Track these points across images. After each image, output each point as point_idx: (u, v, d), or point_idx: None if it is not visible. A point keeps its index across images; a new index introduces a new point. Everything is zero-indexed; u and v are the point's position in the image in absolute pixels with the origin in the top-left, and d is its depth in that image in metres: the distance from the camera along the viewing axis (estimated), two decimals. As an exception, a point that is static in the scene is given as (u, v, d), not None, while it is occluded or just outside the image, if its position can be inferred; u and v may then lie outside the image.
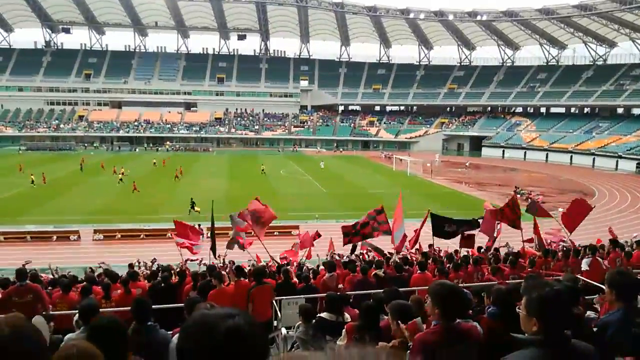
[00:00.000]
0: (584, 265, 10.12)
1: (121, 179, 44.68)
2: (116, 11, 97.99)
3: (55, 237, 26.68)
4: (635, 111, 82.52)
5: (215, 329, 1.39)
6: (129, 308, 5.15)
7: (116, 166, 52.27)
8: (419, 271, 9.45)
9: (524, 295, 2.78)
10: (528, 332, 2.67)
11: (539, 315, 2.57)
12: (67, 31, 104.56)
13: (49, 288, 9.79)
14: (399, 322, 4.25)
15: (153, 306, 5.43)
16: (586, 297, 6.38)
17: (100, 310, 5.45)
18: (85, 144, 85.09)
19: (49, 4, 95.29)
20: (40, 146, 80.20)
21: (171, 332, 5.26)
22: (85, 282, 9.63)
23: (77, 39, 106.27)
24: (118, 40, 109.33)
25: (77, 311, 5.87)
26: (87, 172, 51.50)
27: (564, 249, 14.09)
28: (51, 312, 7.61)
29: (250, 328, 1.42)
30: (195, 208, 32.40)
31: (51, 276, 12.94)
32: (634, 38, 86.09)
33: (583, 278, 8.78)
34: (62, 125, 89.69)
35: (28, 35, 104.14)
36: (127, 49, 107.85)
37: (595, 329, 3.76)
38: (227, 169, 59.20)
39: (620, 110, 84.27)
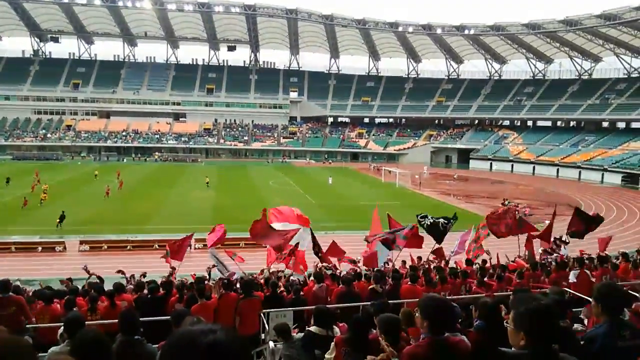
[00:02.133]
0: (572, 277, 10.16)
1: (42, 200, 38.09)
2: (105, 21, 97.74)
3: (40, 248, 26.30)
4: (620, 125, 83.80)
5: (196, 344, 1.39)
6: (115, 321, 5.09)
7: (37, 182, 45.53)
8: (409, 283, 9.42)
9: (512, 310, 2.78)
10: (516, 346, 2.67)
11: (526, 329, 2.57)
12: (55, 40, 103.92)
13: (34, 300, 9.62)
14: (382, 337, 4.23)
15: (140, 319, 5.35)
16: (573, 310, 6.41)
17: (86, 323, 5.37)
18: (73, 154, 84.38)
19: (37, 12, 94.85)
20: (26, 156, 79.40)
21: (157, 345, 5.20)
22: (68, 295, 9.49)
23: (66, 48, 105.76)
24: (107, 49, 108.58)
25: (60, 324, 5.79)
26: (78, 182, 51.00)
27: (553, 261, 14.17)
28: (33, 325, 7.49)
29: (232, 343, 1.42)
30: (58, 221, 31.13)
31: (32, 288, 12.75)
32: (618, 53, 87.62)
33: (570, 290, 8.83)
34: (49, 135, 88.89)
35: (16, 44, 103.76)
36: (116, 59, 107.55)
37: (582, 343, 3.77)
38: (215, 179, 58.95)
39: (605, 124, 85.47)
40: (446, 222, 15.56)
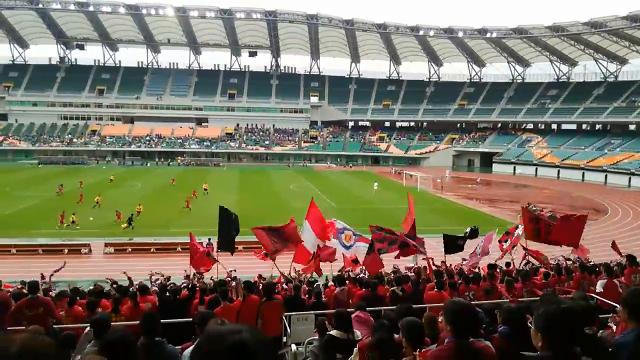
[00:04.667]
0: (599, 287, 9.82)
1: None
2: (129, 28, 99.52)
3: (66, 251, 26.76)
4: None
5: (222, 343, 1.45)
6: (138, 322, 5.15)
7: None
8: (435, 289, 9.31)
9: (535, 311, 2.79)
10: (536, 347, 2.67)
11: (543, 330, 2.59)
12: (81, 47, 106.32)
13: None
14: (405, 341, 4.21)
15: (162, 320, 5.42)
16: (600, 316, 6.28)
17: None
18: (98, 159, 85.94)
19: (63, 20, 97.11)
20: (53, 160, 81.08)
21: (180, 347, 5.24)
22: (91, 296, 9.66)
23: (91, 55, 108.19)
24: (131, 56, 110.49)
25: (83, 325, 5.89)
26: (103, 186, 51.83)
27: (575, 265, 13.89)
28: (60, 326, 7.62)
29: (257, 343, 1.47)
30: (125, 225, 32.17)
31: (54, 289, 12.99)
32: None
33: (597, 297, 8.65)
34: (75, 140, 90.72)
35: (43, 52, 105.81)
36: (140, 65, 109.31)
37: (610, 350, 3.69)
38: (237, 183, 59.39)
39: (632, 127, 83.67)
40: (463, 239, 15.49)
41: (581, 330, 3.85)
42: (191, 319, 7.12)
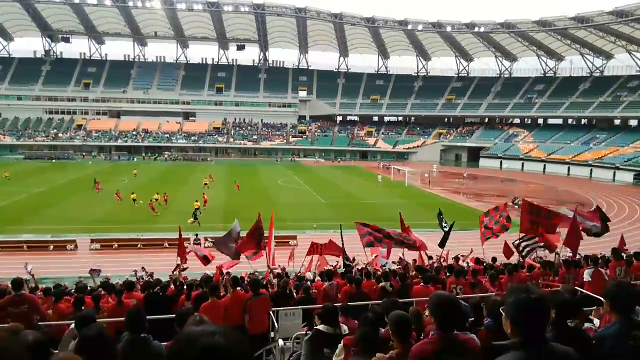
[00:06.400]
0: (587, 277, 9.99)
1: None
2: (116, 21, 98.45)
3: (52, 247, 26.51)
4: (633, 123, 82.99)
5: (193, 346, 1.44)
6: (122, 319, 5.10)
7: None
8: (422, 284, 9.32)
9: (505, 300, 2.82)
10: (507, 334, 2.71)
11: (512, 318, 2.63)
12: (67, 41, 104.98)
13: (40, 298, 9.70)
14: (392, 335, 4.21)
15: (148, 317, 5.37)
16: (585, 309, 6.34)
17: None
18: (84, 154, 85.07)
19: (49, 13, 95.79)
20: (38, 155, 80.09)
21: (166, 344, 5.20)
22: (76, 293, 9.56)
23: (77, 48, 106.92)
24: (118, 50, 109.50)
25: (67, 322, 5.83)
26: (90, 181, 51.37)
27: (563, 260, 14.04)
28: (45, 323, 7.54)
29: (230, 347, 1.45)
30: (192, 220, 32.45)
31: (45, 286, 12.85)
32: (631, 50, 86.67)
33: (583, 290, 8.74)
34: (60, 135, 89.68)
35: (28, 45, 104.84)
36: (127, 59, 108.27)
37: (593, 342, 3.72)
38: (227, 178, 59.10)
39: (617, 122, 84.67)
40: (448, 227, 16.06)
41: (563, 322, 3.90)
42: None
